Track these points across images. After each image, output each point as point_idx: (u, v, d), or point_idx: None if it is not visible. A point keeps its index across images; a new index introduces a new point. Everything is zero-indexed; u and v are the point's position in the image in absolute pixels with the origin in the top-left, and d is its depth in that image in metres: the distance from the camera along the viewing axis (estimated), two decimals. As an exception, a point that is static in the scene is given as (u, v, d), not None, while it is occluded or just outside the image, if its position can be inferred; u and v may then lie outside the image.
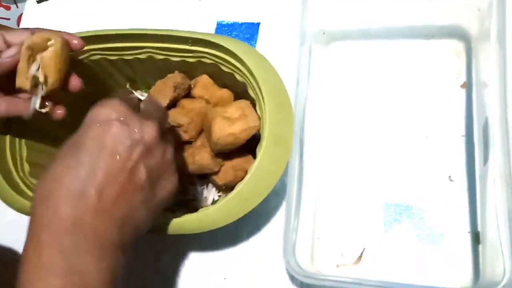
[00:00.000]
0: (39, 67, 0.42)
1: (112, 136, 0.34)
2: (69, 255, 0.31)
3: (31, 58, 0.42)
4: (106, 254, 0.33)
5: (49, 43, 0.43)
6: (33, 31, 0.44)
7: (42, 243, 0.31)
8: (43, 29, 0.45)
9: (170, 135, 0.40)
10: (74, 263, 0.31)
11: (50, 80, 0.43)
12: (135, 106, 0.38)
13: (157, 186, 0.37)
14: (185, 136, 0.51)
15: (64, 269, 0.31)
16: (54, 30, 0.45)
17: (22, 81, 0.41)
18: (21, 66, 0.42)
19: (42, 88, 0.43)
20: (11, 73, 0.42)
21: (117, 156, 0.34)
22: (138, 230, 0.36)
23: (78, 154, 0.33)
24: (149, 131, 0.36)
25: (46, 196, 0.32)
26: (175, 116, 0.51)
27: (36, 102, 0.43)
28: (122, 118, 0.35)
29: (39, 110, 0.44)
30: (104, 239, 0.33)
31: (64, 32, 0.46)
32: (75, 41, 0.45)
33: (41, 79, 0.42)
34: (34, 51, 0.42)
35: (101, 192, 0.33)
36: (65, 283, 0.31)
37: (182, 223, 0.43)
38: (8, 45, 0.43)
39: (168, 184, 0.38)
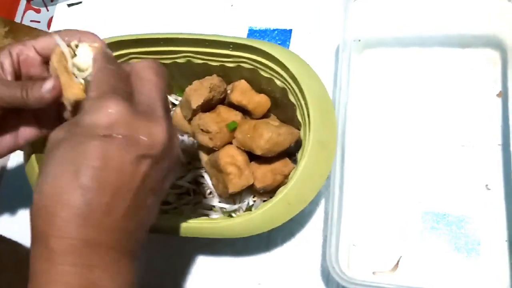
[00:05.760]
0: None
1: (117, 151, 0.30)
2: (84, 274, 0.30)
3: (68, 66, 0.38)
4: (123, 265, 0.32)
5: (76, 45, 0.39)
6: (60, 35, 0.40)
7: (52, 264, 0.30)
8: (68, 30, 0.41)
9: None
10: (90, 281, 0.30)
11: None
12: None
13: (165, 184, 0.35)
14: (210, 144, 0.51)
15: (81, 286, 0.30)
16: (77, 31, 0.40)
17: (73, 93, 0.37)
18: (64, 79, 0.38)
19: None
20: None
21: (125, 173, 0.31)
22: (148, 228, 0.35)
23: (80, 169, 0.30)
24: (158, 135, 0.32)
25: (49, 213, 0.30)
26: (207, 122, 0.52)
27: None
28: (127, 128, 0.31)
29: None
30: (120, 252, 0.32)
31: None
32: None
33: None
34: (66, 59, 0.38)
35: (110, 212, 0.31)
36: None
37: (227, 227, 0.43)
38: (41, 55, 0.41)
39: (173, 175, 0.36)
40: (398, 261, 0.51)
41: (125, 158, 0.31)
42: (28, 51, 0.41)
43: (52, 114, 0.43)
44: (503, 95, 0.55)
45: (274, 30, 0.66)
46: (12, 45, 0.41)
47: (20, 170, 0.67)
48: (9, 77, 0.40)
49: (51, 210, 0.30)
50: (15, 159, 0.68)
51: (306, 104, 0.46)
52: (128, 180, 0.31)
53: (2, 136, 0.43)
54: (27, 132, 0.44)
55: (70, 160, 0.30)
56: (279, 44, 0.65)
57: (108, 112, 0.31)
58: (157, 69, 0.35)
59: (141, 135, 0.31)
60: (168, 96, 0.60)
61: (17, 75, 0.41)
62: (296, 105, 0.48)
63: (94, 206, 0.30)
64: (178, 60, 0.53)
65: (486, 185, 0.52)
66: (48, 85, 0.38)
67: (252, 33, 0.67)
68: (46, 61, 0.41)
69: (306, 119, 0.46)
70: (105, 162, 0.30)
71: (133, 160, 0.31)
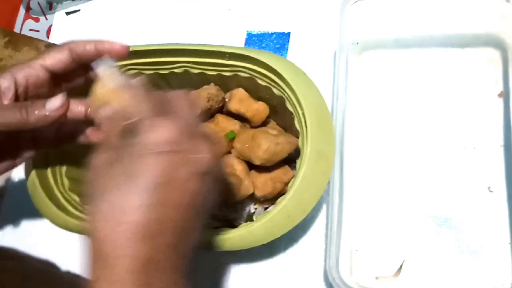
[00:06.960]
0: None
1: (174, 167, 0.31)
2: None
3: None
4: (179, 285, 0.33)
5: None
6: (69, 47, 0.41)
7: (113, 285, 0.30)
8: (77, 41, 0.41)
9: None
10: None
11: None
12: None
13: (211, 201, 0.36)
14: None
15: None
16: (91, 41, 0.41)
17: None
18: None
19: None
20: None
21: (182, 189, 0.32)
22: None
23: (141, 185, 0.31)
24: (205, 153, 0.33)
25: (110, 233, 0.30)
26: (205, 133, 0.52)
27: None
28: (175, 145, 0.32)
29: None
30: (181, 271, 0.33)
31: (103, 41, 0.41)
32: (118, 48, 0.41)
33: None
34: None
35: (175, 228, 0.32)
36: None
37: (227, 240, 0.44)
38: (51, 71, 0.41)
39: (216, 196, 0.37)
40: (401, 266, 0.51)
41: (181, 174, 0.32)
42: (36, 72, 0.40)
43: (50, 134, 0.44)
44: (505, 95, 0.54)
45: (272, 33, 0.66)
46: (15, 68, 0.40)
47: (23, 184, 0.68)
48: (5, 102, 0.39)
49: (113, 229, 0.30)
50: (18, 173, 0.68)
51: (303, 113, 0.46)
52: (183, 196, 0.32)
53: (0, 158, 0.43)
54: (24, 152, 0.44)
55: (128, 177, 0.31)
56: (277, 47, 0.65)
57: (156, 128, 0.32)
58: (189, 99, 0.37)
59: (189, 153, 0.33)
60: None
61: (25, 99, 0.40)
62: (294, 114, 0.48)
63: (156, 223, 0.31)
64: (176, 70, 0.53)
65: (489, 188, 0.52)
66: (55, 102, 0.38)
67: (250, 37, 0.66)
68: (55, 76, 0.41)
69: (304, 128, 0.46)
70: (165, 178, 0.31)
71: (188, 177, 0.32)
